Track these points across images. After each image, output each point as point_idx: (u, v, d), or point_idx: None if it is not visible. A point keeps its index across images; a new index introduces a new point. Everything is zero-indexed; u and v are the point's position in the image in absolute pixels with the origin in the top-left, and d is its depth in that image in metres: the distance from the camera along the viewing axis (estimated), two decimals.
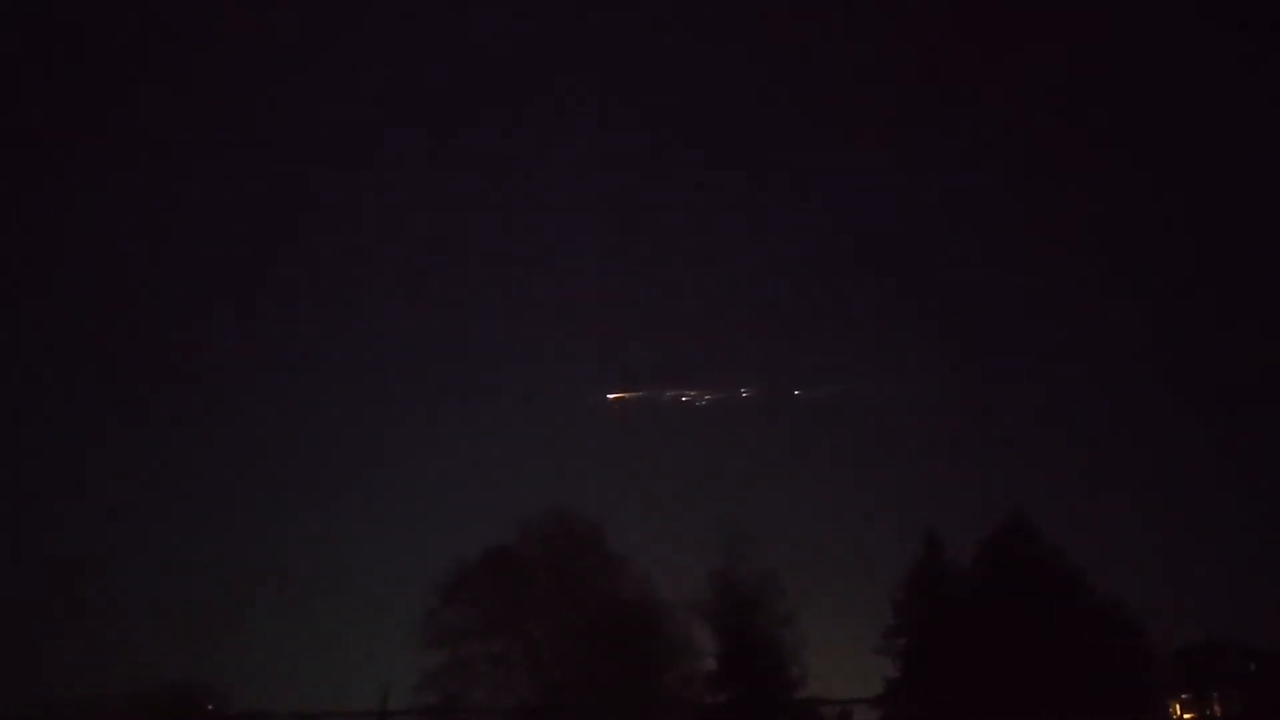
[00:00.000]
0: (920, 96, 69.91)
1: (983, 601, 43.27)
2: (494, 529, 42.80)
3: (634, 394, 58.49)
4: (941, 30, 68.62)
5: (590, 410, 56.94)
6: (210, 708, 43.39)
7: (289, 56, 65.27)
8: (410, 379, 60.32)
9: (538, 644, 41.36)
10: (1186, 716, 47.69)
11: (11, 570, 52.13)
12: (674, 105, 71.97)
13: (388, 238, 66.88)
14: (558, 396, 59.08)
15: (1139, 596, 44.04)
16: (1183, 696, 47.56)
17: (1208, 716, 47.37)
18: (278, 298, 65.26)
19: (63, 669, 45.97)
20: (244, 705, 44.11)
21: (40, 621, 49.79)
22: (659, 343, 63.35)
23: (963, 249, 69.74)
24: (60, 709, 42.80)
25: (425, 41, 69.99)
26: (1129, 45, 70.06)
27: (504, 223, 69.19)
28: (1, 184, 60.30)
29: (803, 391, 60.35)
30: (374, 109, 71.25)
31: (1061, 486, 53.91)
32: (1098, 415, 59.38)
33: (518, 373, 60.85)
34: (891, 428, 57.82)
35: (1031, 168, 69.08)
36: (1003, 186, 68.57)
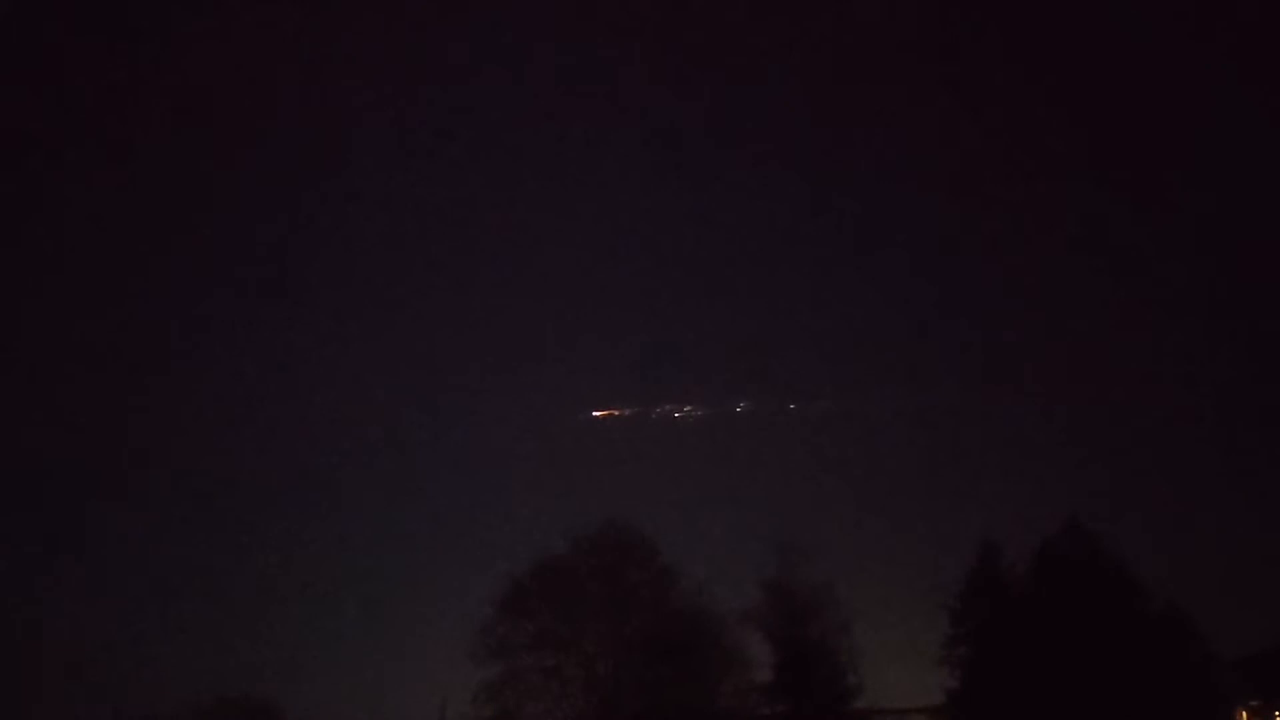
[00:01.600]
0: (921, 99, 68.51)
1: (1041, 609, 42.68)
2: (545, 542, 43.04)
3: (621, 411, 57.47)
4: (942, 33, 67.38)
5: (586, 427, 56.23)
6: None
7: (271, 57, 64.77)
8: (446, 393, 60.32)
9: (591, 657, 41.40)
10: None
11: (71, 587, 53.11)
12: (658, 112, 70.52)
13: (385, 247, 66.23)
14: (553, 411, 58.03)
15: (1202, 602, 43.28)
16: (1250, 703, 46.61)
17: None
18: (293, 307, 65.42)
19: (121, 685, 46.75)
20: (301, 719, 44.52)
21: (99, 638, 50.73)
22: (641, 359, 61.76)
23: (991, 248, 67.95)
24: None
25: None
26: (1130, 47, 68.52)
27: (481, 230, 68.07)
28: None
29: (798, 405, 59.06)
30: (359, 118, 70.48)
31: (1119, 491, 52.93)
32: (1155, 417, 58.21)
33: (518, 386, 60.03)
34: (940, 436, 56.94)
35: (1057, 163, 67.66)
36: (1028, 182, 67.00)
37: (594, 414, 56.88)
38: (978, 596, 43.77)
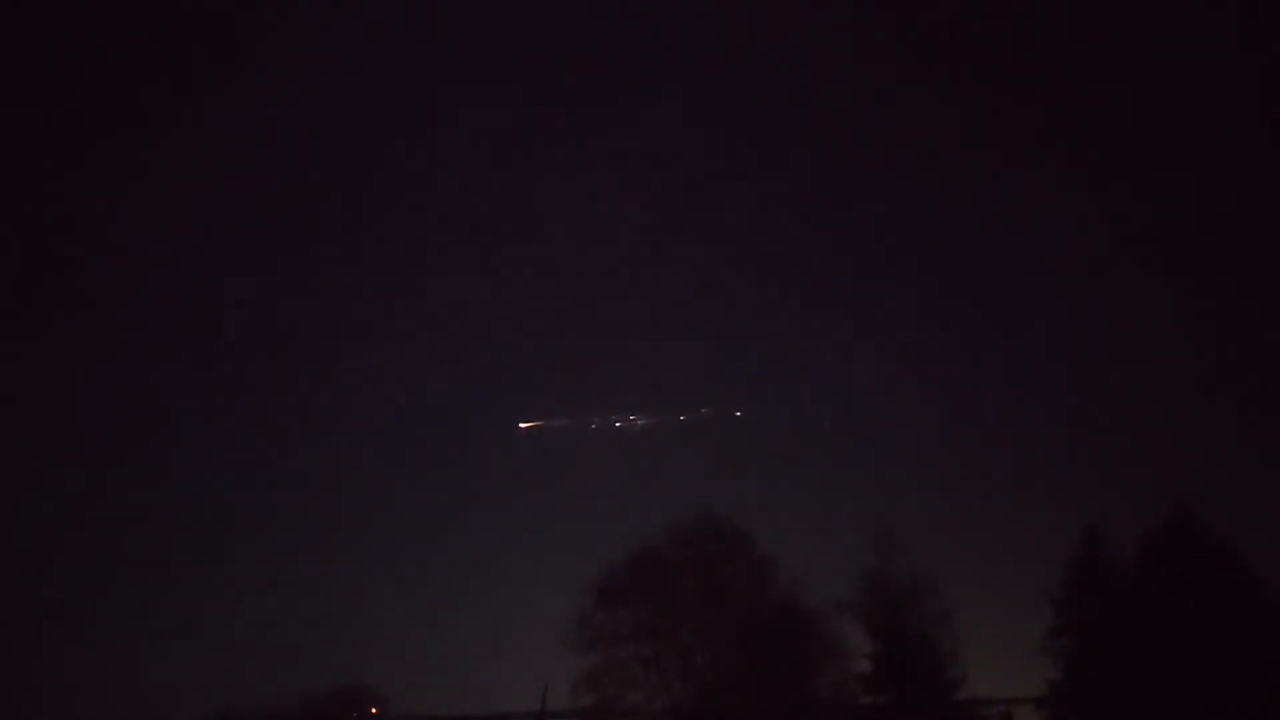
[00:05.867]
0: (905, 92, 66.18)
1: (1148, 599, 41.68)
2: (642, 533, 43.28)
3: (550, 423, 56.76)
4: (932, 27, 65.23)
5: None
6: (374, 710, 44.81)
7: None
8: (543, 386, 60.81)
9: (689, 647, 41.58)
10: None
11: (176, 579, 54.82)
12: (613, 112, 69.18)
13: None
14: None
15: None
16: None
17: None
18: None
19: (229, 677, 48.19)
20: (406, 708, 45.47)
21: (207, 630, 52.38)
22: (580, 372, 60.45)
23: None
24: (235, 715, 44.83)
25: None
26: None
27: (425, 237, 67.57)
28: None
29: (744, 412, 57.84)
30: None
31: (1229, 478, 51.29)
32: (1263, 397, 56.19)
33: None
34: (1043, 426, 55.67)
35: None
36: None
37: (520, 425, 56.64)
38: (1081, 586, 42.91)
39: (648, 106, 67.83)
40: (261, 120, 67.71)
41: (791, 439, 56.57)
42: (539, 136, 67.49)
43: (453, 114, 67.98)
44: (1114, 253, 64.00)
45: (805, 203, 66.46)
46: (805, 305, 64.87)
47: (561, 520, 52.88)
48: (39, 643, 49.82)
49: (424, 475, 57.34)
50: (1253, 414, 56.35)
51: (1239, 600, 41.10)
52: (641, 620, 41.62)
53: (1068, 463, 55.10)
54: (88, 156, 65.24)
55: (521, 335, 62.17)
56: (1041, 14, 65.56)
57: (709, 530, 42.68)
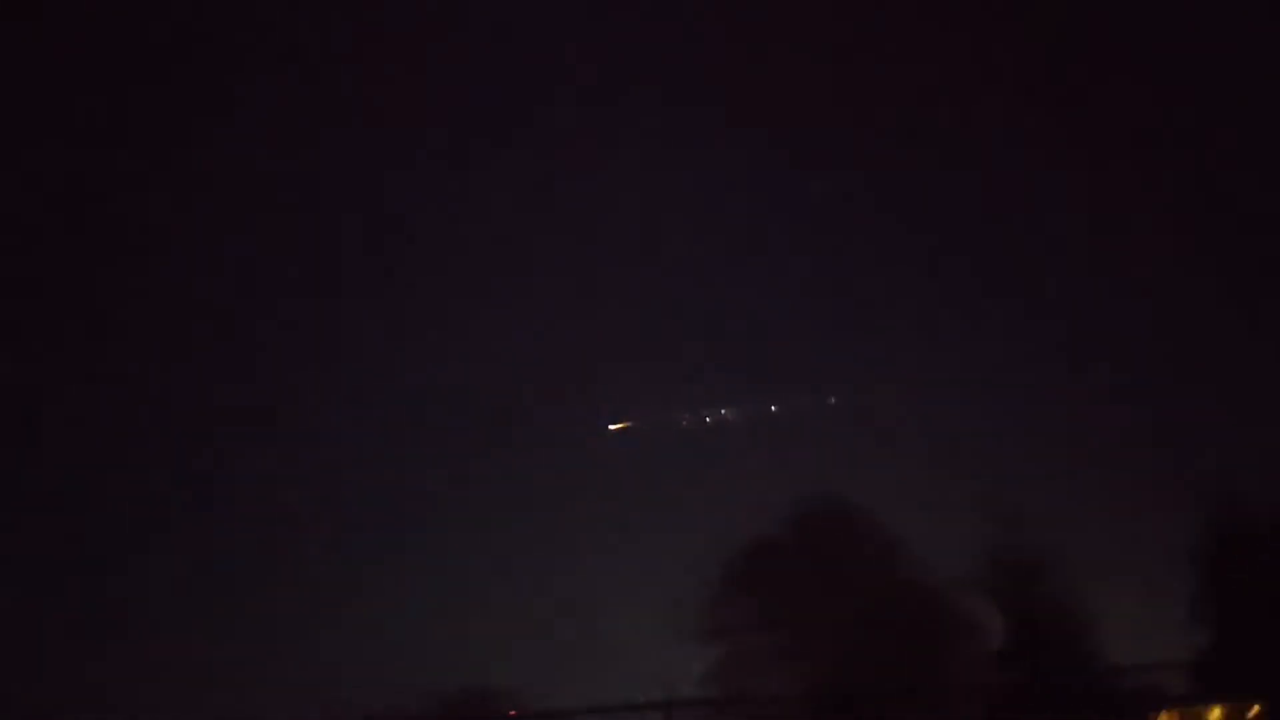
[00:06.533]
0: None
1: None
2: (757, 521, 42.88)
3: (639, 423, 55.50)
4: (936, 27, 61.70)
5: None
6: (512, 713, 45.07)
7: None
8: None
9: (816, 634, 41.16)
10: None
11: (303, 583, 55.85)
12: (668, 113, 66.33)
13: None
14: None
15: None
16: None
17: None
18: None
19: (359, 680, 48.98)
20: (536, 704, 45.73)
21: (333, 634, 53.38)
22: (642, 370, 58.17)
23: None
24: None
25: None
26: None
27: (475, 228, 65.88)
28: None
29: (838, 400, 55.60)
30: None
31: None
32: None
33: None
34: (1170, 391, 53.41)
35: None
36: None
37: (609, 427, 55.67)
38: (1223, 547, 41.40)
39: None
40: (261, 120, 67.80)
41: (893, 421, 55.13)
42: (543, 135, 66.48)
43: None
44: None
45: (887, 182, 64.00)
46: (895, 287, 62.69)
47: (672, 514, 52.45)
48: (160, 644, 51.05)
49: (528, 483, 57.17)
50: None
51: None
52: (767, 608, 41.37)
53: (1203, 420, 52.79)
54: (86, 156, 66.28)
55: (589, 341, 61.22)
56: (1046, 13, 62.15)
57: (830, 514, 42.15)
